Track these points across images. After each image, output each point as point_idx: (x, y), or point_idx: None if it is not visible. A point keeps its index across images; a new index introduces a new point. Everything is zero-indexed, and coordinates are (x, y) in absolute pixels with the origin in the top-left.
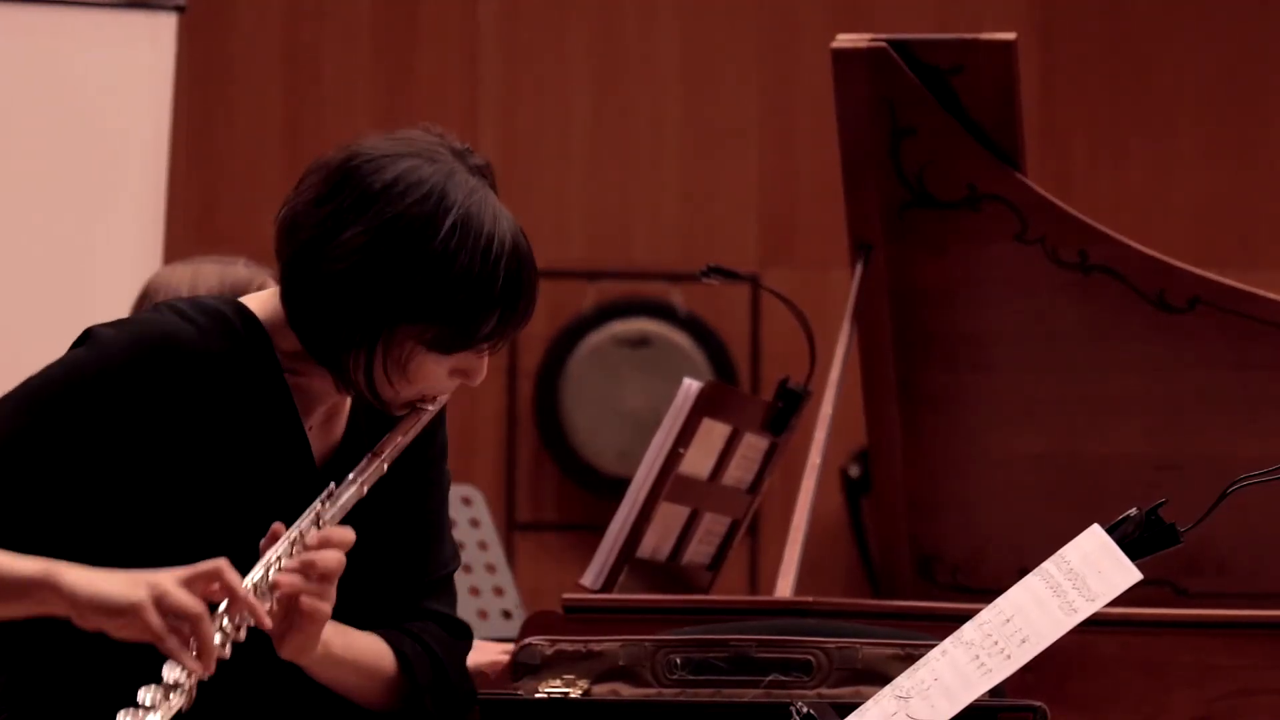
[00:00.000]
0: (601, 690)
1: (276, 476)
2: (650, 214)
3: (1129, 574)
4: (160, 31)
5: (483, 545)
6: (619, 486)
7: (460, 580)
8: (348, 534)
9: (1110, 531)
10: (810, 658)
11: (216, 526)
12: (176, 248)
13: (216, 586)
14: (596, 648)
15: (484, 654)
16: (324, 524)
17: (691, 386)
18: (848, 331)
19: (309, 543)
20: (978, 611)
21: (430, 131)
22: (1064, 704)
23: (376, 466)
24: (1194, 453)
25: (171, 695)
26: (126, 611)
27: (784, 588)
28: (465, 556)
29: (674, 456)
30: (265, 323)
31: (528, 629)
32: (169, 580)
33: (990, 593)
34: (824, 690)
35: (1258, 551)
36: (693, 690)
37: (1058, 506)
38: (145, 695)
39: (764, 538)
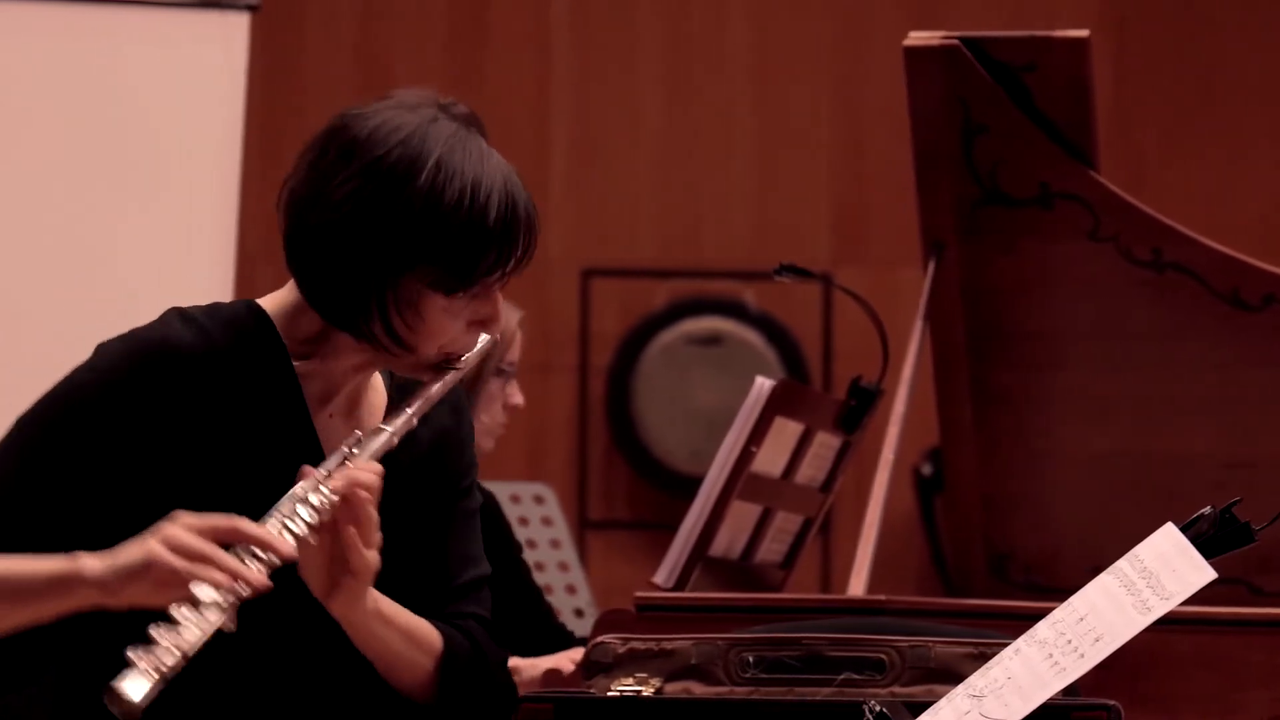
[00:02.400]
0: (674, 689)
1: (286, 468)
2: (722, 212)
3: (1203, 572)
4: (233, 31)
5: (555, 544)
6: (691, 485)
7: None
8: (376, 467)
9: (1184, 530)
10: (883, 656)
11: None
12: (249, 249)
13: (229, 528)
14: (669, 646)
15: (552, 661)
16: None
17: (764, 385)
18: (920, 329)
19: (333, 485)
20: (1051, 610)
21: (414, 90)
22: (1137, 703)
23: (406, 419)
24: (1268, 451)
25: (207, 612)
26: (146, 566)
27: (856, 586)
28: (537, 555)
29: (746, 455)
30: (276, 314)
31: (600, 627)
32: (173, 525)
33: (1063, 591)
34: (896, 689)
35: None
36: (765, 689)
37: (1131, 505)
38: (178, 611)
39: (836, 536)
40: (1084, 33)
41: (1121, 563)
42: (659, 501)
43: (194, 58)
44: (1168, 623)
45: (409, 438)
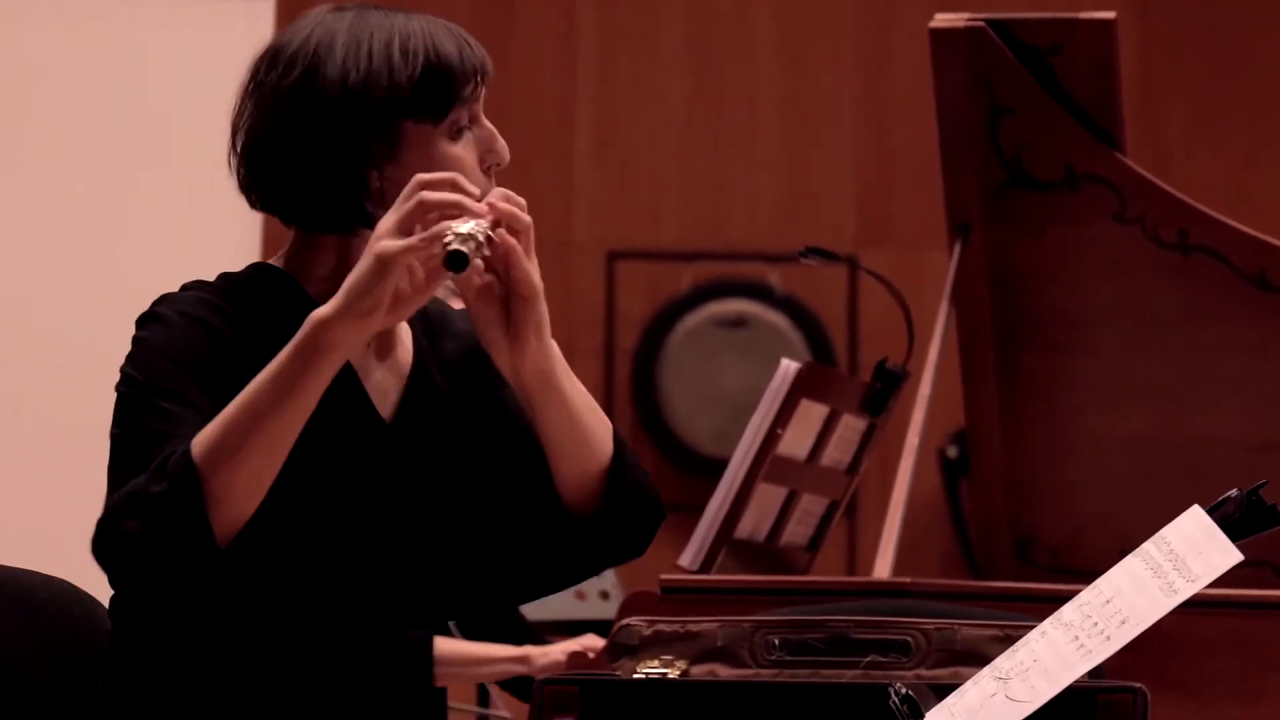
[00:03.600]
0: (699, 671)
1: (330, 411)
2: (747, 195)
3: (1230, 555)
4: (257, 19)
5: None
6: (716, 467)
7: None
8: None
9: (1211, 512)
10: (908, 639)
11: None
12: (274, 236)
13: (429, 196)
14: (694, 628)
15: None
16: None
17: (789, 367)
18: (946, 312)
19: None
20: (1077, 593)
21: None
22: (1164, 685)
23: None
24: None
25: (471, 231)
26: (379, 265)
27: (882, 569)
28: None
29: (772, 437)
30: (288, 269)
31: (626, 609)
32: (379, 224)
33: (1089, 574)
34: (922, 671)
35: None
36: (790, 671)
37: (1157, 487)
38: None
39: (862, 518)
40: (1110, 14)
41: (1147, 545)
42: (684, 484)
43: (218, 45)
44: (1194, 605)
45: (439, 359)
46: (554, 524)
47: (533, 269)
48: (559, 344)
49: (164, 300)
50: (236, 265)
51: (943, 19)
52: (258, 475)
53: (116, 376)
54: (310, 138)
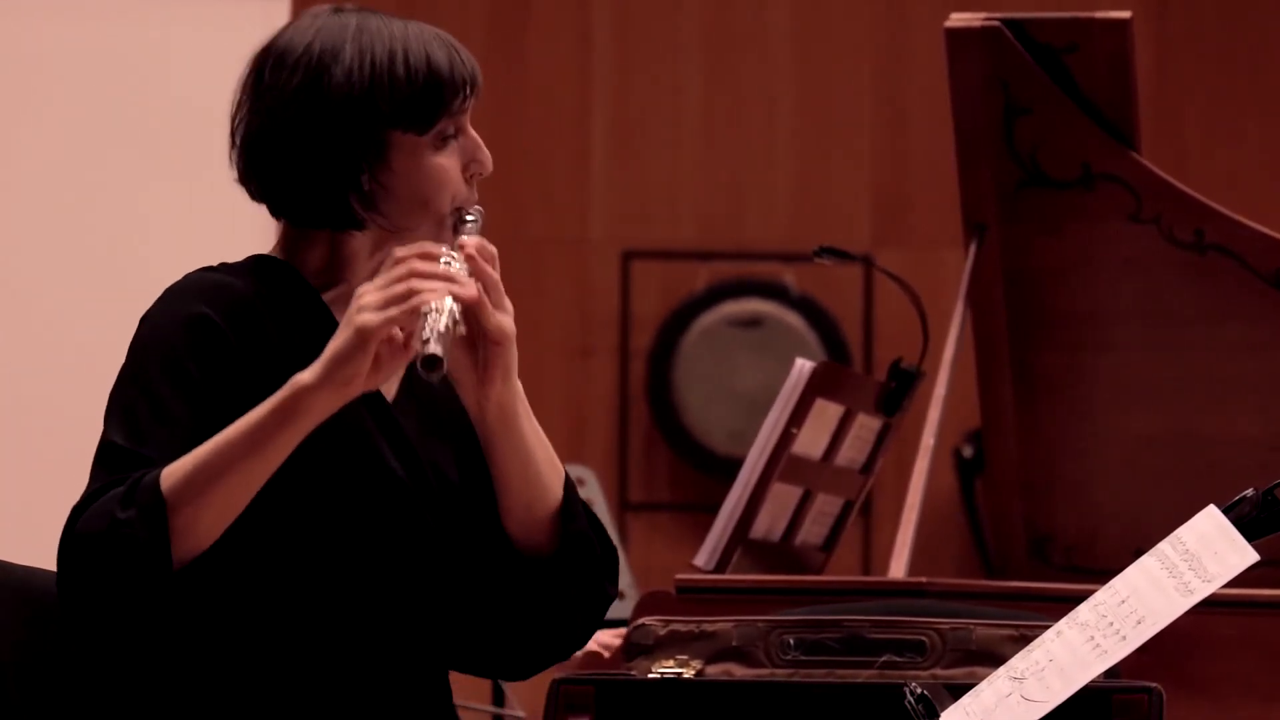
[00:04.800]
0: (714, 670)
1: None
2: (762, 194)
3: (1246, 555)
4: (273, 17)
5: None
6: (731, 467)
7: None
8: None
9: (1226, 512)
10: (924, 638)
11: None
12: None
13: (414, 265)
14: (710, 628)
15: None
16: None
17: (804, 366)
18: (961, 311)
19: (463, 242)
20: (1092, 592)
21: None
22: (1180, 685)
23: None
24: None
25: (431, 315)
26: (360, 337)
27: (897, 568)
28: None
29: (787, 437)
30: (285, 259)
31: (641, 609)
32: (361, 292)
33: (1105, 574)
34: (938, 671)
35: None
36: (806, 671)
37: (1173, 487)
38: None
39: (877, 518)
40: (1126, 14)
41: (1163, 545)
42: (699, 484)
43: (235, 41)
44: (1210, 605)
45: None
46: (504, 560)
47: (504, 318)
48: (575, 345)
49: (165, 297)
50: None
51: (958, 19)
52: (220, 517)
53: None
54: (306, 140)
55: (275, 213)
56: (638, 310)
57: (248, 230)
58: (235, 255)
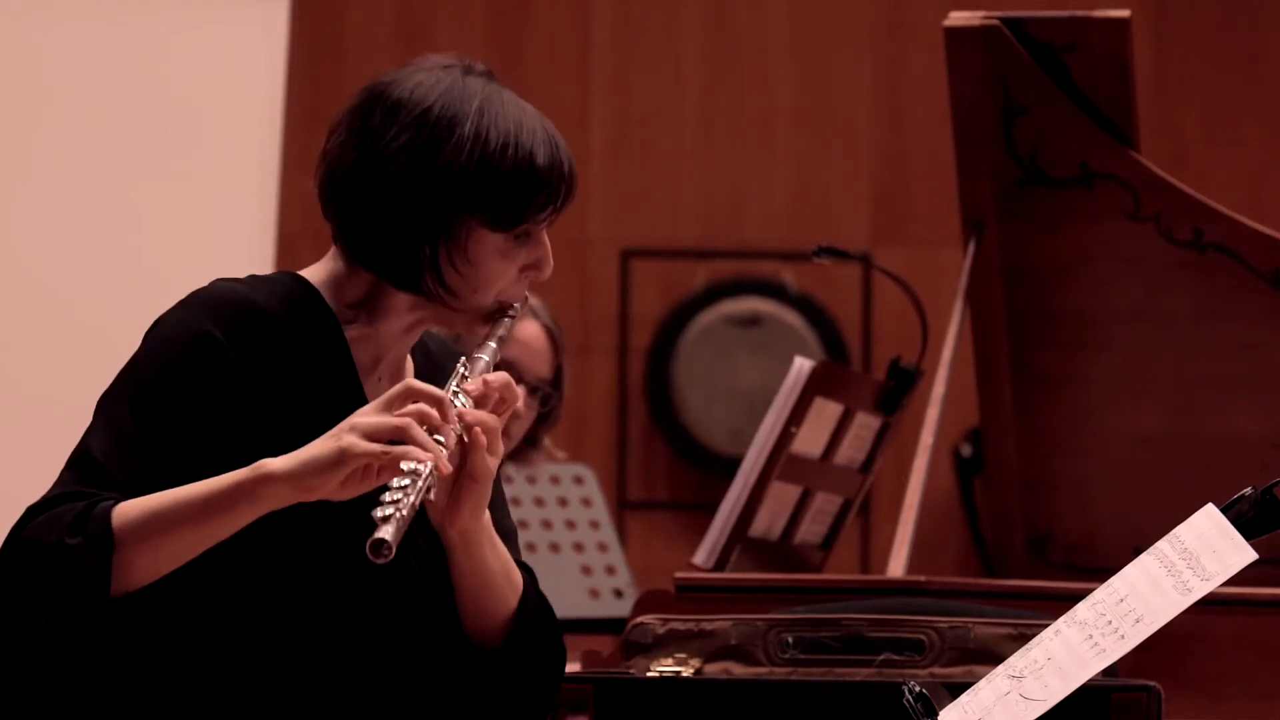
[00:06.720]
0: (713, 669)
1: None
2: (761, 193)
3: (1244, 553)
4: (273, 15)
5: (594, 524)
6: (730, 466)
7: (572, 559)
8: (504, 375)
9: (1225, 511)
10: (922, 637)
11: None
12: (290, 230)
13: (422, 409)
14: (708, 627)
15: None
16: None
17: (803, 365)
18: (960, 310)
19: (467, 388)
20: (1091, 591)
21: (435, 55)
22: (1178, 684)
23: (492, 351)
24: None
25: (413, 480)
26: (340, 457)
27: (896, 567)
28: (576, 535)
29: (786, 435)
30: (319, 283)
31: (640, 608)
32: (357, 415)
33: (1103, 572)
34: (936, 670)
35: None
36: (804, 669)
37: (1172, 486)
38: (388, 494)
39: (876, 517)
40: (1125, 13)
41: (1162, 543)
42: (698, 482)
43: (234, 38)
44: (1209, 604)
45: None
46: (456, 643)
47: (492, 459)
48: (575, 344)
49: (181, 307)
50: (251, 261)
51: (957, 17)
52: (162, 565)
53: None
54: (394, 198)
55: (337, 240)
56: (637, 309)
57: (246, 230)
58: (232, 255)
